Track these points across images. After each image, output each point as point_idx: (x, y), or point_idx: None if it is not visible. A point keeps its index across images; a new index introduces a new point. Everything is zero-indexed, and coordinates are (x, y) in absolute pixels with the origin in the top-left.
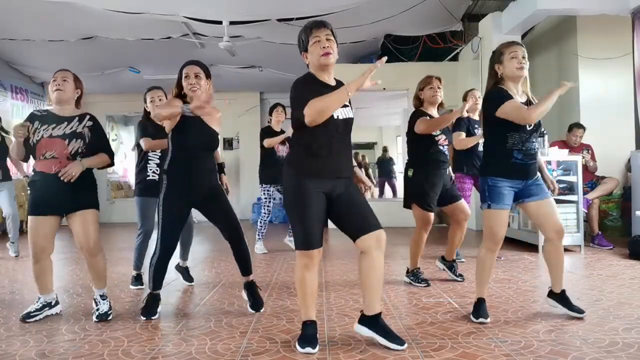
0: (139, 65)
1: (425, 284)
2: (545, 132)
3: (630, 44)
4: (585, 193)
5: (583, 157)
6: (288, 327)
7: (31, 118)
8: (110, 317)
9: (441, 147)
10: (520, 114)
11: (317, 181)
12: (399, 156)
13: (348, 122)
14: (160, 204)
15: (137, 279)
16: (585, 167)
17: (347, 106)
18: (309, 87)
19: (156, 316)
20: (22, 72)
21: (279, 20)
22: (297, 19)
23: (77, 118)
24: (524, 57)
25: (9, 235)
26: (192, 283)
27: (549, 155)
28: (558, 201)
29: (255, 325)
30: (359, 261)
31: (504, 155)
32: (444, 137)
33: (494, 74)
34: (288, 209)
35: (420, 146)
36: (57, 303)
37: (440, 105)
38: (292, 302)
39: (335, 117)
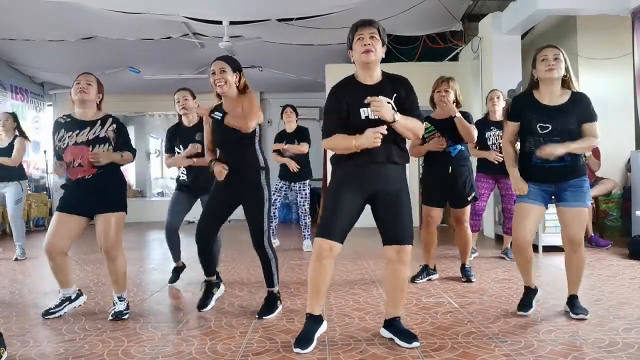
0: (139, 65)
1: (424, 279)
2: None
3: (630, 44)
4: None
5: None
6: (288, 327)
7: (57, 127)
8: (126, 317)
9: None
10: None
11: (355, 187)
12: None
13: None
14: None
15: (172, 273)
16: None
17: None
18: (340, 94)
19: (207, 308)
20: (22, 72)
21: (279, 20)
22: (297, 19)
23: (99, 122)
24: (556, 59)
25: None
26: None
27: None
28: None
29: (255, 325)
30: (385, 266)
31: (526, 157)
32: (437, 133)
33: (531, 77)
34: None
35: None
36: (79, 296)
37: (458, 104)
38: (292, 302)
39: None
